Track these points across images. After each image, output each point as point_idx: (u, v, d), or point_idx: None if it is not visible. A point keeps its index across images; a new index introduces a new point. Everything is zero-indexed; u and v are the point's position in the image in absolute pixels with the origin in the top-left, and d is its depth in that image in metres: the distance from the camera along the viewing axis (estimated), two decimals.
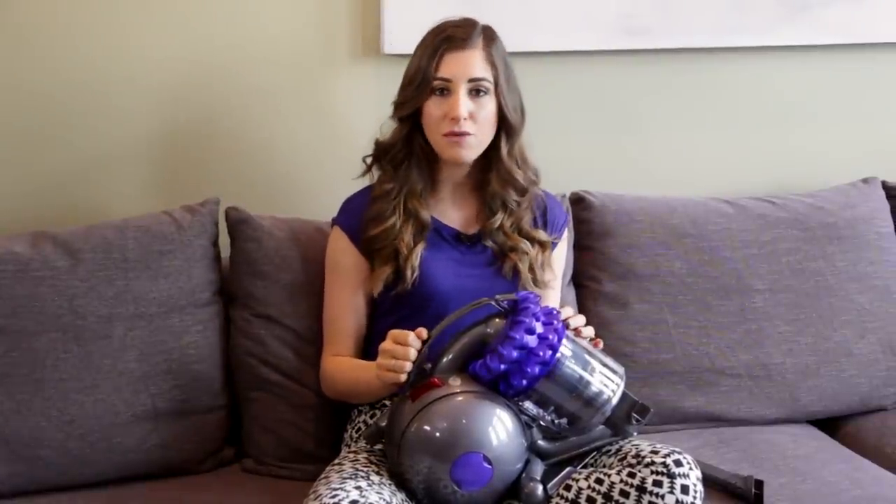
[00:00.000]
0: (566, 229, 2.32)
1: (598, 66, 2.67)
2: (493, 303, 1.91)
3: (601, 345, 1.99)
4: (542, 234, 2.21)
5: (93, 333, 2.18)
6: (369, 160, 2.20)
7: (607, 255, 2.46)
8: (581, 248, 2.49)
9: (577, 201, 2.51)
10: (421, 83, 2.08)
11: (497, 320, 1.89)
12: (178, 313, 2.24)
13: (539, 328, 1.83)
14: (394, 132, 2.15)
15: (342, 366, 2.16)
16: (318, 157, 2.56)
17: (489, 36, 2.12)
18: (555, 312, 1.89)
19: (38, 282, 2.16)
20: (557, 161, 2.60)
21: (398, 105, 2.13)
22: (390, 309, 2.14)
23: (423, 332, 1.90)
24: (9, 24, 2.40)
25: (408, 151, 2.14)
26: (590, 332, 1.99)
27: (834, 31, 2.74)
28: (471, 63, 2.08)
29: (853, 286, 2.53)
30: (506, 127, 2.13)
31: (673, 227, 2.49)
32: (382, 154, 2.17)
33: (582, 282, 2.48)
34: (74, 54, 2.42)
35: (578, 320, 1.98)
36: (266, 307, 2.29)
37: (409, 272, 2.09)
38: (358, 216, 2.16)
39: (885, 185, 2.67)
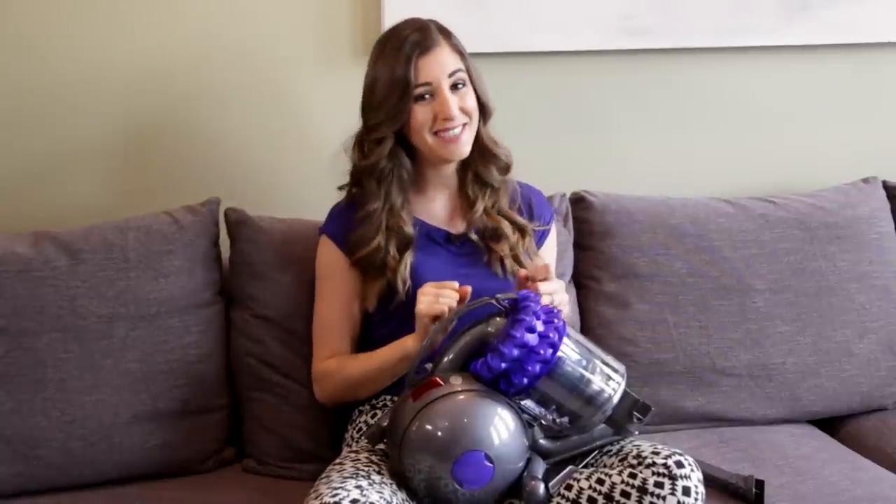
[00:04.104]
0: (554, 223, 2.32)
1: (598, 66, 2.68)
2: (493, 301, 1.91)
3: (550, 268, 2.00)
4: (520, 219, 2.20)
5: (93, 334, 2.18)
6: (347, 187, 2.20)
7: (608, 255, 2.46)
8: (581, 248, 2.49)
9: (577, 201, 2.51)
10: (402, 96, 2.07)
11: (498, 319, 1.89)
12: (178, 314, 2.24)
13: (540, 326, 1.83)
14: (372, 151, 2.12)
15: (348, 359, 2.14)
16: (318, 158, 2.55)
17: (444, 30, 2.14)
18: (555, 311, 1.89)
19: (38, 282, 2.17)
20: (557, 161, 2.61)
21: (379, 124, 2.10)
22: (388, 316, 2.13)
23: (467, 289, 1.94)
24: (10, 24, 2.40)
25: (393, 165, 2.13)
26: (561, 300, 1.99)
27: (834, 31, 2.74)
28: (444, 60, 2.09)
29: (853, 286, 2.53)
30: (484, 111, 2.15)
31: (673, 227, 2.49)
32: (365, 175, 2.15)
33: (582, 282, 2.48)
34: (75, 52, 2.42)
35: (550, 287, 1.96)
36: (266, 308, 2.29)
37: (400, 284, 2.09)
38: (345, 228, 2.16)
39: (885, 185, 2.67)
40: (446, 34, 2.12)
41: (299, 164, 2.56)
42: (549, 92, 2.64)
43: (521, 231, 2.19)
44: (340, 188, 2.21)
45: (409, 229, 2.13)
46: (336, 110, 2.54)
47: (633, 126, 2.73)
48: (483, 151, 2.17)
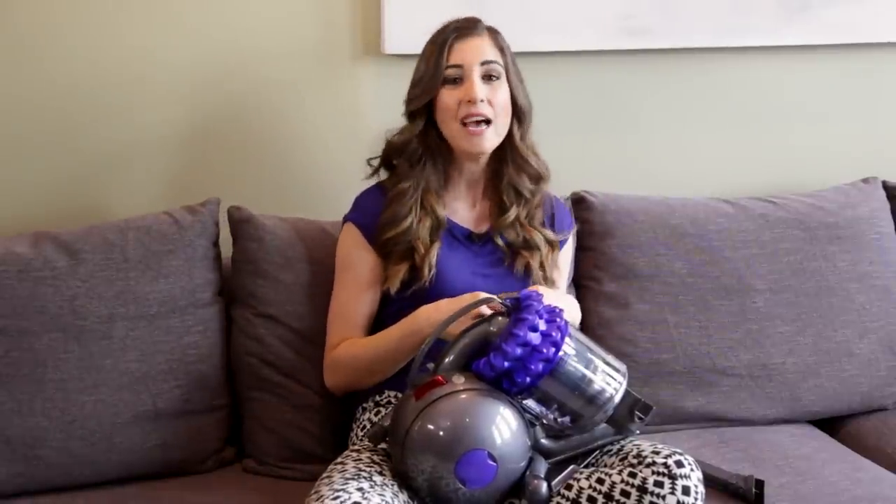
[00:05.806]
0: (572, 233, 2.33)
1: (598, 66, 2.68)
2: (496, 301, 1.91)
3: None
4: (549, 233, 2.22)
5: (93, 334, 2.18)
6: (376, 162, 2.20)
7: (608, 255, 2.46)
8: (581, 248, 2.49)
9: (578, 201, 2.51)
10: (433, 74, 2.10)
11: (500, 318, 1.90)
12: (178, 313, 2.24)
13: (542, 326, 1.83)
14: (406, 130, 2.16)
15: (359, 341, 2.15)
16: (319, 157, 2.56)
17: (493, 29, 2.17)
18: (557, 310, 1.89)
19: (38, 282, 2.16)
20: (557, 161, 2.59)
21: (411, 100, 2.14)
22: (405, 307, 2.11)
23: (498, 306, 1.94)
24: (11, 26, 2.39)
25: (424, 148, 2.15)
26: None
27: (834, 31, 2.75)
28: (480, 48, 2.12)
29: (853, 286, 2.53)
30: (518, 113, 2.16)
31: (673, 227, 2.49)
32: (396, 154, 2.17)
33: (582, 282, 2.48)
34: (75, 55, 2.42)
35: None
36: (267, 307, 2.29)
37: (426, 269, 2.10)
38: (373, 215, 2.16)
39: (885, 185, 2.67)
40: (492, 31, 2.17)
41: (299, 163, 2.56)
42: (548, 92, 2.63)
43: (552, 245, 2.22)
44: (370, 161, 2.22)
45: (443, 212, 2.15)
46: (336, 110, 2.55)
47: (633, 126, 2.73)
48: (516, 158, 2.17)
